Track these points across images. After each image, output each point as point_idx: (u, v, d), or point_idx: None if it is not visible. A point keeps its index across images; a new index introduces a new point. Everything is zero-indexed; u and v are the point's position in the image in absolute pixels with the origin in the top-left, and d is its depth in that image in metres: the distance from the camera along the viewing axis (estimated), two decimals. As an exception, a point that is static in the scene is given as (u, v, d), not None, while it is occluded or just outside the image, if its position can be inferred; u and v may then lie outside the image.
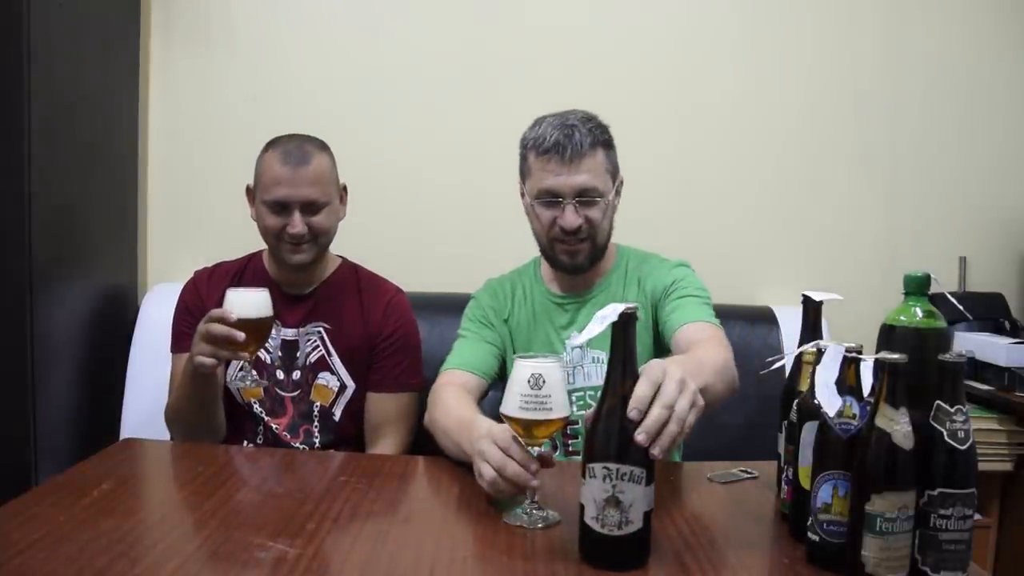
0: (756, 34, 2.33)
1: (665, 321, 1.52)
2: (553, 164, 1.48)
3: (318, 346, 1.64)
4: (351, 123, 2.26)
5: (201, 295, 1.66)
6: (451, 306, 2.06)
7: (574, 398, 1.57)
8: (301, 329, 1.64)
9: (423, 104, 2.31)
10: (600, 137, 1.50)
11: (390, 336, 1.66)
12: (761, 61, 2.33)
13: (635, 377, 0.98)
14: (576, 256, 1.54)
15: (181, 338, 1.64)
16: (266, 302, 1.41)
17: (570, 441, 1.59)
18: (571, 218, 1.49)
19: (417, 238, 2.32)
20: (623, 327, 0.98)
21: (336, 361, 1.64)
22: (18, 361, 1.76)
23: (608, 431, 0.97)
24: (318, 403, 1.64)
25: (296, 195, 1.55)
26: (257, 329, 1.39)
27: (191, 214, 2.32)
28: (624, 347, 0.98)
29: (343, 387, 1.65)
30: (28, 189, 1.74)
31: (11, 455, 1.76)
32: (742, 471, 1.32)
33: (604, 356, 1.52)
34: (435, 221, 2.33)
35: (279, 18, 2.30)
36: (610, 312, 0.98)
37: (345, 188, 1.68)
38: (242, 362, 1.45)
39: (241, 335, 1.35)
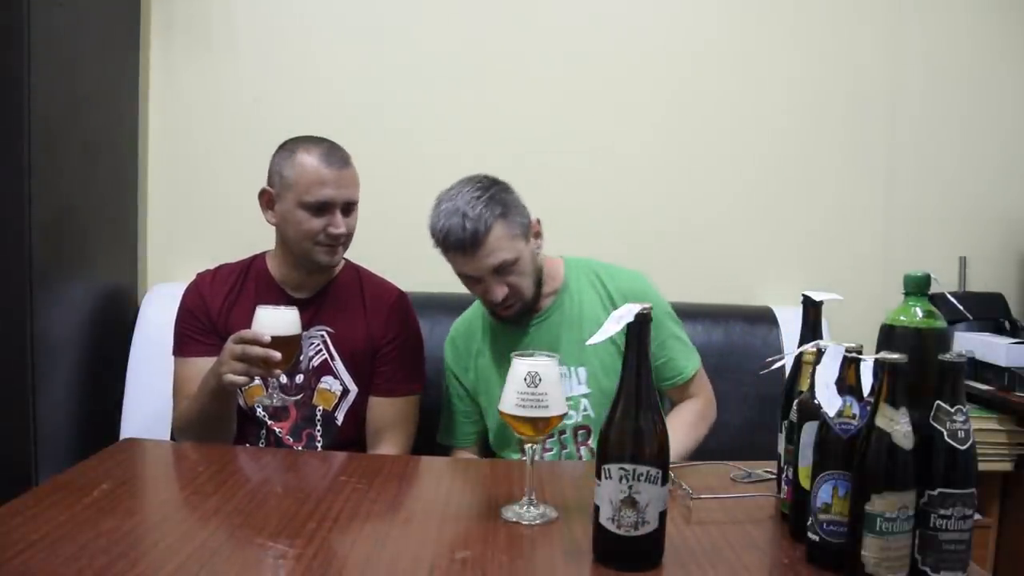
0: (756, 33, 2.33)
1: (655, 364, 1.59)
2: (459, 257, 1.54)
3: (321, 350, 1.64)
4: (351, 123, 2.24)
5: (204, 298, 1.65)
6: (451, 306, 2.06)
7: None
8: (304, 332, 1.62)
9: (424, 104, 2.31)
10: (492, 214, 1.52)
11: (393, 340, 1.66)
12: (761, 60, 2.33)
13: (650, 379, 0.98)
14: (511, 318, 1.61)
15: (185, 342, 1.64)
16: (297, 319, 1.42)
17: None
18: (496, 293, 1.55)
19: (418, 237, 2.29)
20: (638, 328, 0.98)
21: (339, 365, 1.64)
22: (18, 361, 1.76)
23: (623, 432, 0.97)
24: (320, 407, 1.63)
25: (341, 196, 1.57)
26: (290, 346, 1.39)
27: (191, 214, 2.31)
28: (639, 348, 0.98)
29: (346, 391, 1.64)
30: (28, 189, 1.74)
31: (11, 455, 1.76)
32: (766, 471, 1.30)
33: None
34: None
35: (279, 18, 2.30)
36: (625, 312, 0.98)
37: None
38: (273, 381, 1.44)
39: (278, 355, 1.36)
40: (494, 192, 1.55)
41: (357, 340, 1.64)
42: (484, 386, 1.68)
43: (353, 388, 1.64)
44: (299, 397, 1.62)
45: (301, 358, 1.62)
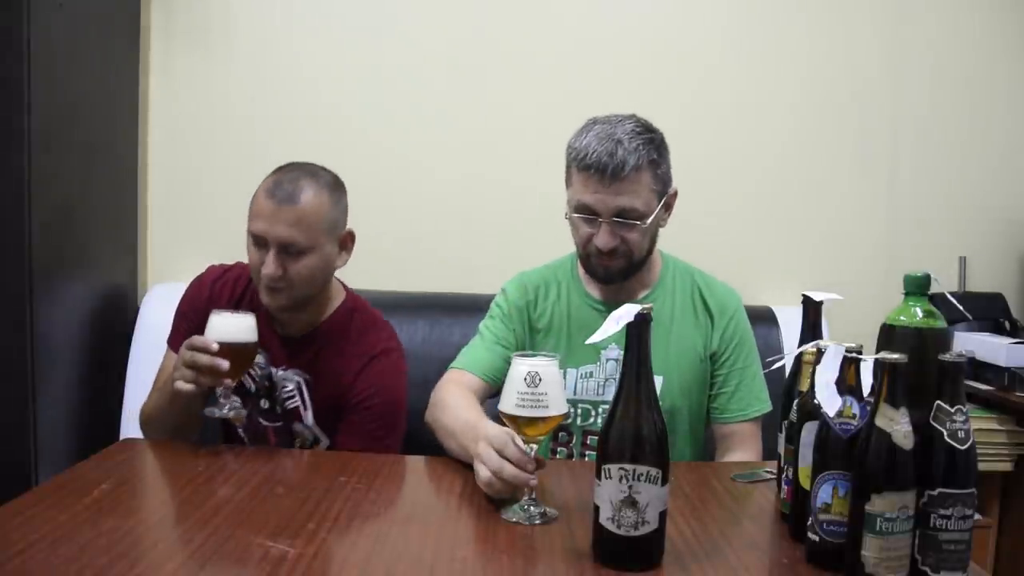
0: (756, 33, 2.33)
1: (722, 389, 1.54)
2: (592, 182, 1.40)
3: (294, 395, 1.53)
4: (351, 123, 2.25)
5: (203, 299, 1.56)
6: (451, 306, 2.06)
7: (601, 410, 1.51)
8: (281, 372, 1.53)
9: (424, 102, 2.31)
10: (647, 156, 1.41)
11: (364, 399, 1.51)
12: (761, 60, 2.33)
13: (650, 379, 0.98)
14: (610, 271, 1.49)
15: (174, 334, 1.57)
16: (250, 327, 1.35)
17: (587, 452, 1.52)
18: (605, 239, 1.43)
19: (418, 238, 2.32)
20: (638, 328, 0.98)
21: (309, 417, 1.53)
22: (18, 361, 1.76)
23: (623, 432, 0.97)
24: (298, 441, 1.56)
25: (272, 232, 1.39)
26: (240, 355, 1.33)
27: (191, 214, 2.32)
28: (639, 349, 0.98)
29: (317, 440, 1.55)
30: (28, 189, 1.74)
31: (11, 455, 1.76)
32: (767, 472, 1.30)
33: None
34: (436, 221, 2.32)
35: (279, 18, 2.30)
36: (625, 313, 0.98)
37: (352, 236, 1.52)
38: (223, 389, 1.36)
39: (225, 364, 1.29)
40: (656, 138, 1.44)
41: (331, 393, 1.52)
42: (551, 341, 1.55)
43: (324, 440, 1.55)
44: (278, 425, 1.54)
45: (277, 393, 1.53)
